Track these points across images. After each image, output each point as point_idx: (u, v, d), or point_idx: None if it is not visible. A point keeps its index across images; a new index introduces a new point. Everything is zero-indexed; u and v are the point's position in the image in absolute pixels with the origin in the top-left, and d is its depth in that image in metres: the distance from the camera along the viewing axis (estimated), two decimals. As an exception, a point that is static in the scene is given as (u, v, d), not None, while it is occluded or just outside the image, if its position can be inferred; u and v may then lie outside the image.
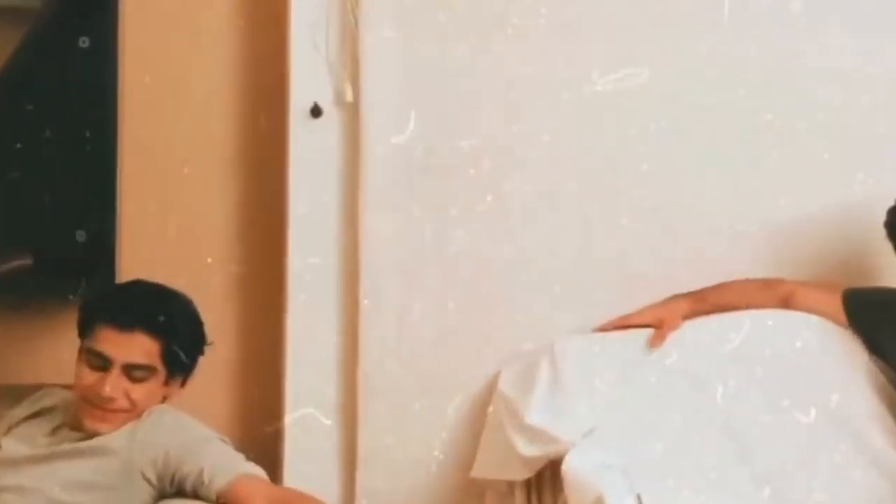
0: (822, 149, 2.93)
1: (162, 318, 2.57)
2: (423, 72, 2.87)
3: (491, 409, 2.92)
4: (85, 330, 2.61)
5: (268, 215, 2.96)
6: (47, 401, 2.71)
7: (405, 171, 2.88)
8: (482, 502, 2.95)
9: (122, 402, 2.55)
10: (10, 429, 2.68)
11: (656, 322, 2.87)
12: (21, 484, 2.55)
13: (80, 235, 2.89)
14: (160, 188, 2.98)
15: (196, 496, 2.51)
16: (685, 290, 2.87)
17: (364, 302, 2.89)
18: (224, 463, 2.53)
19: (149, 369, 2.56)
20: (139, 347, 2.55)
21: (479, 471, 2.93)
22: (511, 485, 2.86)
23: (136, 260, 2.92)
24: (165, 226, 2.98)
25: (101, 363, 2.55)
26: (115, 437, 2.56)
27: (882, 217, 2.81)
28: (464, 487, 2.95)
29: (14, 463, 2.58)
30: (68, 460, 2.56)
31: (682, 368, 2.82)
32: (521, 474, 2.81)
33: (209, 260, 2.86)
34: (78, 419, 2.60)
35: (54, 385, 2.75)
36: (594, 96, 2.87)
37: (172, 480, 2.54)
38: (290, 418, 2.89)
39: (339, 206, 2.90)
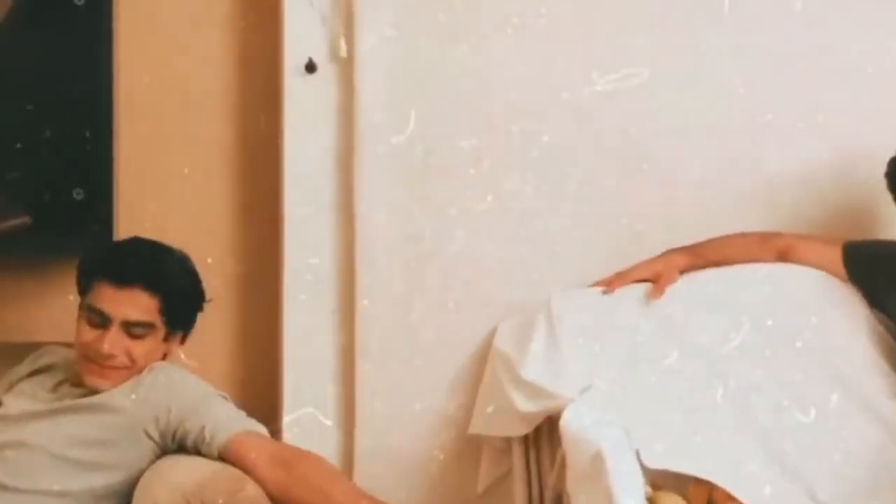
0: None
1: (160, 274, 2.57)
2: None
3: (488, 365, 2.94)
4: (84, 287, 2.62)
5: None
6: (48, 358, 2.72)
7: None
8: (479, 460, 2.96)
9: (122, 359, 2.56)
10: (11, 386, 2.69)
11: (653, 276, 2.88)
12: (23, 440, 2.56)
13: (78, 193, 2.90)
14: (157, 146, 2.99)
15: (198, 452, 2.53)
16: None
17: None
18: (225, 420, 2.54)
19: (148, 326, 2.57)
20: (138, 304, 2.56)
21: (477, 427, 2.94)
22: (509, 441, 2.88)
23: (132, 216, 2.93)
24: (163, 182, 2.99)
25: (101, 320, 2.56)
26: (117, 394, 2.57)
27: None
28: (461, 444, 2.97)
29: (15, 419, 2.59)
30: (70, 416, 2.57)
31: (680, 324, 2.83)
32: (519, 430, 2.83)
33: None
34: (79, 376, 2.61)
35: (54, 343, 2.77)
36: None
37: (174, 437, 2.56)
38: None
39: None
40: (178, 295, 2.60)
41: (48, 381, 2.66)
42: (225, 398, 2.63)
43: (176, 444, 2.56)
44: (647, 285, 2.88)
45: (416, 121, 2.85)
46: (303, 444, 2.64)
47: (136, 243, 2.66)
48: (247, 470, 2.46)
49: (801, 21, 2.92)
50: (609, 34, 2.89)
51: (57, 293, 2.86)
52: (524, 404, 2.78)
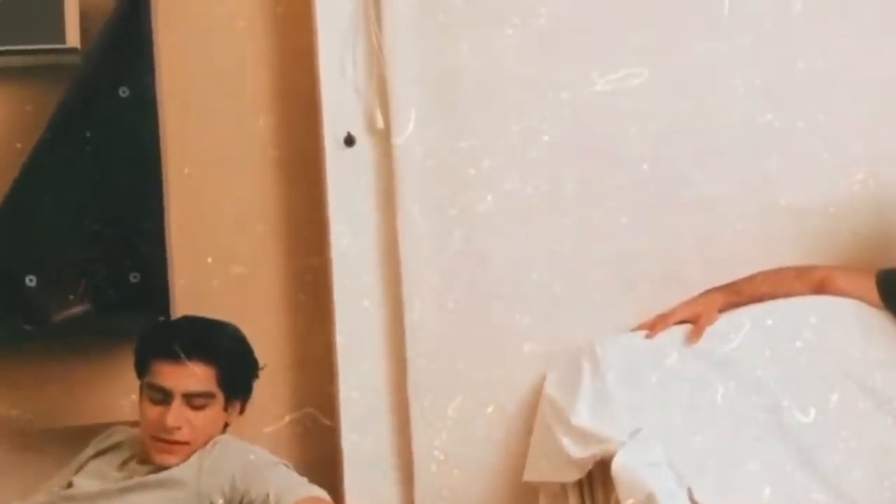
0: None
1: (212, 344, 2.64)
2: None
3: (538, 411, 2.95)
4: (142, 369, 2.69)
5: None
6: (115, 437, 2.79)
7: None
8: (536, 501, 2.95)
9: (186, 431, 2.62)
10: (80, 466, 2.75)
11: (693, 317, 2.89)
12: None
13: (135, 277, 2.96)
14: (208, 227, 3.06)
15: None
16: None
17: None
18: (289, 485, 2.59)
19: (208, 396, 2.64)
20: (195, 375, 2.63)
21: (532, 474, 2.95)
22: (564, 486, 2.88)
23: (188, 296, 3.00)
24: (215, 261, 3.06)
25: (162, 396, 2.63)
26: (184, 468, 2.63)
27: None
28: (519, 491, 2.96)
29: (87, 498, 2.65)
30: (140, 493, 2.62)
31: (722, 363, 2.84)
32: (572, 475, 2.83)
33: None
34: (146, 455, 2.68)
35: (119, 423, 2.84)
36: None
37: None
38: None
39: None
40: (232, 363, 2.66)
41: (115, 459, 2.72)
42: (287, 466, 2.68)
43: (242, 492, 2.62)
44: (688, 326, 2.90)
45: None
46: (363, 497, 2.72)
47: (187, 320, 2.74)
48: None
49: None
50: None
51: (120, 374, 2.90)
52: (575, 450, 2.79)
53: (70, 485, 2.69)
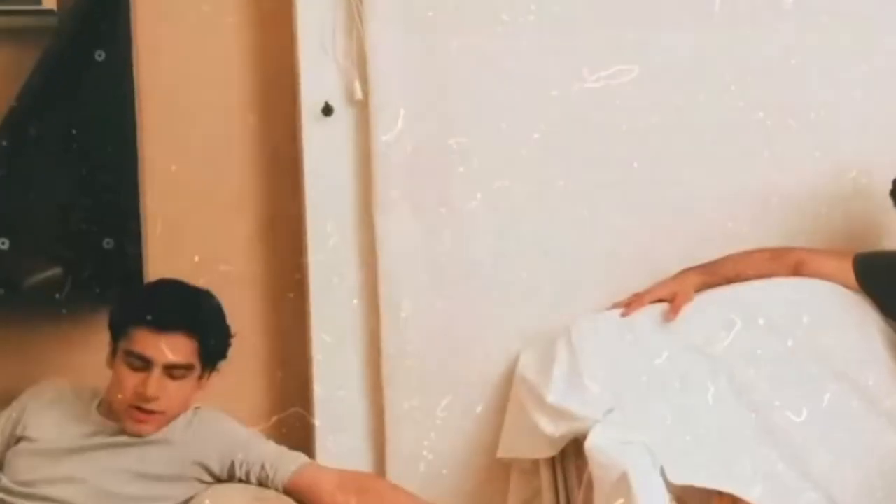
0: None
1: (198, 317, 2.64)
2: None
3: (512, 391, 2.96)
4: (120, 333, 2.66)
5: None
6: (50, 391, 2.76)
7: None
8: (508, 481, 2.99)
9: (163, 401, 2.62)
10: (18, 421, 2.71)
11: (669, 296, 2.90)
12: (69, 474, 2.62)
13: (108, 243, 2.94)
14: (183, 193, 3.04)
15: (260, 485, 2.64)
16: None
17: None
18: (278, 455, 2.65)
19: (188, 367, 2.64)
20: (178, 347, 2.62)
21: (505, 451, 2.97)
22: (536, 463, 2.91)
23: (161, 263, 2.98)
24: (189, 228, 3.05)
25: (143, 364, 2.62)
26: (167, 430, 2.65)
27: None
28: (490, 468, 3.00)
29: (56, 453, 2.64)
30: (121, 450, 2.64)
31: (697, 343, 2.86)
32: (546, 453, 2.86)
33: (224, 268, 2.90)
34: (114, 417, 2.67)
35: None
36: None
37: (231, 477, 2.66)
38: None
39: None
40: (213, 335, 2.67)
41: (66, 414, 2.70)
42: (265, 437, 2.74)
43: (235, 481, 2.66)
44: (664, 305, 2.91)
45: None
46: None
47: (170, 287, 2.71)
48: (317, 501, 2.57)
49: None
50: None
51: (91, 340, 2.89)
52: (550, 427, 2.81)
53: (23, 439, 2.67)
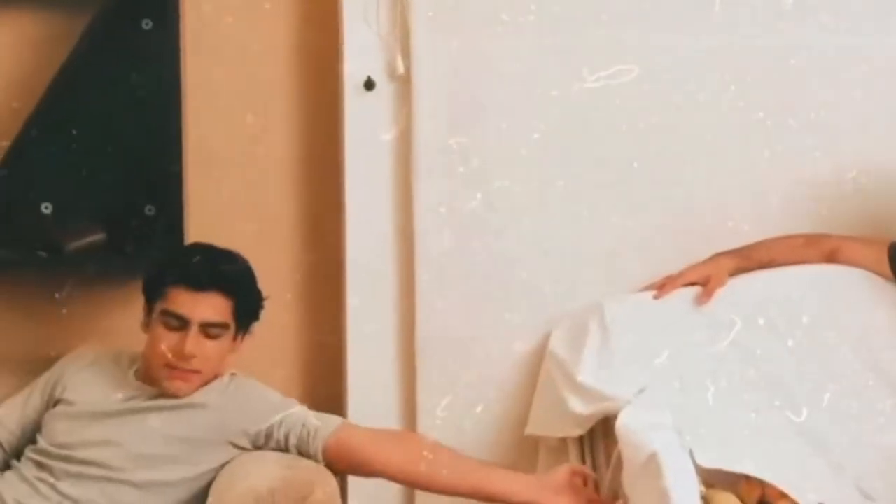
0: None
1: (232, 277, 2.66)
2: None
3: (543, 368, 2.97)
4: (155, 293, 2.68)
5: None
6: (88, 356, 2.78)
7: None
8: (536, 458, 2.99)
9: (199, 360, 2.64)
10: (56, 384, 2.74)
11: (702, 280, 2.90)
12: (105, 437, 2.64)
13: (150, 209, 2.97)
14: (224, 163, 3.07)
15: (300, 452, 2.65)
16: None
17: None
18: (321, 416, 2.68)
19: (224, 326, 2.66)
20: (214, 306, 2.64)
21: (534, 428, 2.98)
22: (564, 441, 2.91)
23: (201, 230, 3.00)
24: (229, 196, 3.08)
25: (179, 323, 2.64)
26: (204, 393, 2.67)
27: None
28: (518, 444, 3.01)
29: (94, 416, 2.67)
30: (158, 414, 2.66)
31: (728, 326, 2.86)
32: (575, 431, 2.86)
33: (263, 237, 2.92)
34: (152, 379, 2.69)
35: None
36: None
37: (267, 442, 2.68)
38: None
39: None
40: (247, 295, 2.69)
41: (105, 378, 2.73)
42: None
43: (270, 447, 2.68)
44: (697, 288, 2.91)
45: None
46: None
47: (205, 249, 2.73)
48: (359, 454, 2.62)
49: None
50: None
51: (132, 305, 2.88)
52: (580, 406, 2.82)
53: (61, 402, 2.70)
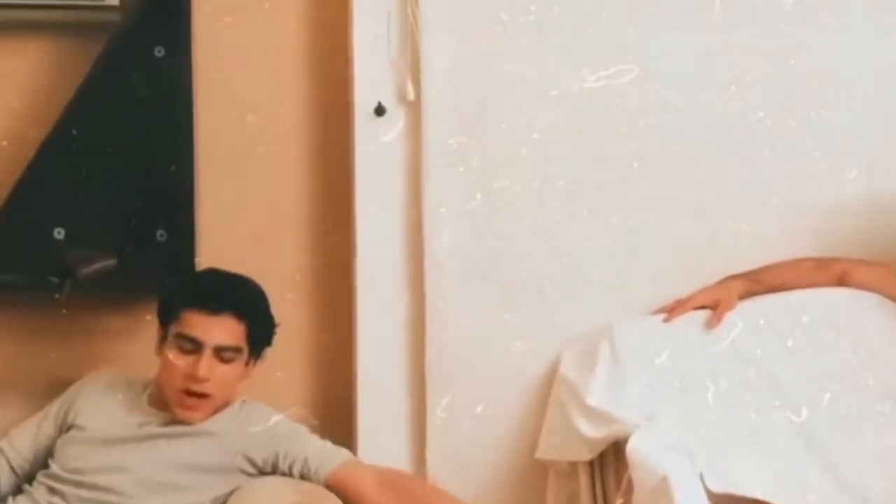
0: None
1: (246, 301, 2.66)
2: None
3: (553, 391, 2.94)
4: (169, 317, 2.67)
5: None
6: (103, 380, 2.78)
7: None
8: (546, 483, 2.97)
9: (212, 384, 2.62)
10: (69, 409, 2.73)
11: (712, 304, 2.89)
12: (116, 463, 2.63)
13: (161, 235, 2.96)
14: (235, 187, 3.07)
15: (302, 478, 2.66)
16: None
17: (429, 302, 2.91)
18: (322, 451, 2.67)
19: (237, 350, 2.65)
20: (228, 329, 2.63)
21: (544, 452, 2.95)
22: (574, 465, 2.88)
23: (212, 257, 2.96)
24: (240, 223, 3.06)
25: (193, 346, 2.63)
26: (214, 421, 2.67)
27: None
28: (527, 469, 2.98)
29: (106, 442, 2.66)
30: (168, 441, 2.65)
31: (738, 349, 2.86)
32: (585, 455, 2.83)
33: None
34: (163, 404, 2.68)
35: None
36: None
37: (274, 470, 2.68)
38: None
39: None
40: (260, 319, 2.69)
41: (116, 403, 2.72)
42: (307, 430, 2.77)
43: (278, 473, 2.68)
44: (706, 312, 2.91)
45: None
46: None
47: (219, 273, 2.73)
48: (357, 498, 2.61)
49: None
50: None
51: (143, 330, 2.90)
52: (590, 430, 2.80)
53: (74, 427, 2.69)
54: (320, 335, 3.08)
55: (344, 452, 2.70)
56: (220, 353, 2.63)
